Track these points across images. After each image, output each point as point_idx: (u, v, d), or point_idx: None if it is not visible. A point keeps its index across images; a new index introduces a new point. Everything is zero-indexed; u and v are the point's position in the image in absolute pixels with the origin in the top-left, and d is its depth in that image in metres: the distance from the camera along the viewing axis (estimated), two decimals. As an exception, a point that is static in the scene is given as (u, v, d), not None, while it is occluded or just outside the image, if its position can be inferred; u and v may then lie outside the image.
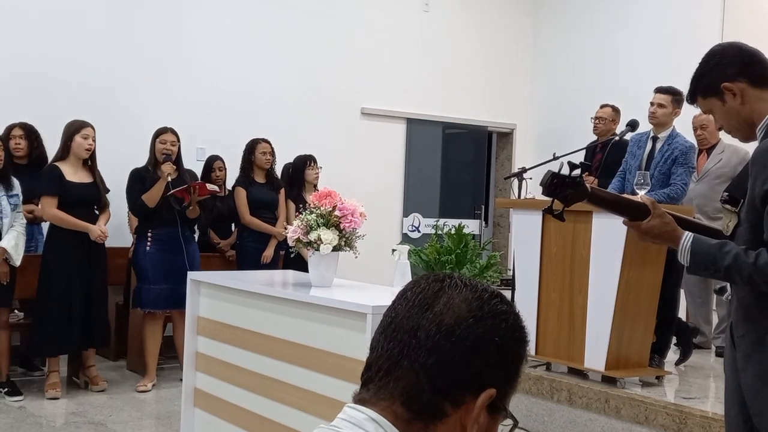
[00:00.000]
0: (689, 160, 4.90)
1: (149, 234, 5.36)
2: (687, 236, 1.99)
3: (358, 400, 0.99)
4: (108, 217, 5.32)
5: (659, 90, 4.98)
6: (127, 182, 5.42)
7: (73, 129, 5.14)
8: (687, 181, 4.90)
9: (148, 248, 5.35)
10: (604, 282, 4.38)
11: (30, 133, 5.57)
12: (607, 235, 4.32)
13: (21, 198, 5.05)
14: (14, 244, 4.90)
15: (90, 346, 5.32)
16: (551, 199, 1.97)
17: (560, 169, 1.96)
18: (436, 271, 1.10)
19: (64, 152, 5.13)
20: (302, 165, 6.37)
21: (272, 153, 6.14)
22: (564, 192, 1.90)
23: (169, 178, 5.20)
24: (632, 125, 5.28)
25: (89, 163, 5.21)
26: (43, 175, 5.14)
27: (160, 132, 5.40)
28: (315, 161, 6.38)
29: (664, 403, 4.06)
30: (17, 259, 4.93)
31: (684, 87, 2.03)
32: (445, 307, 0.99)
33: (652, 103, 4.99)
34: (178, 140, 5.42)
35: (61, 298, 5.03)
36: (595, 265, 4.43)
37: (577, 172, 1.96)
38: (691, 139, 5.98)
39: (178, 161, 5.43)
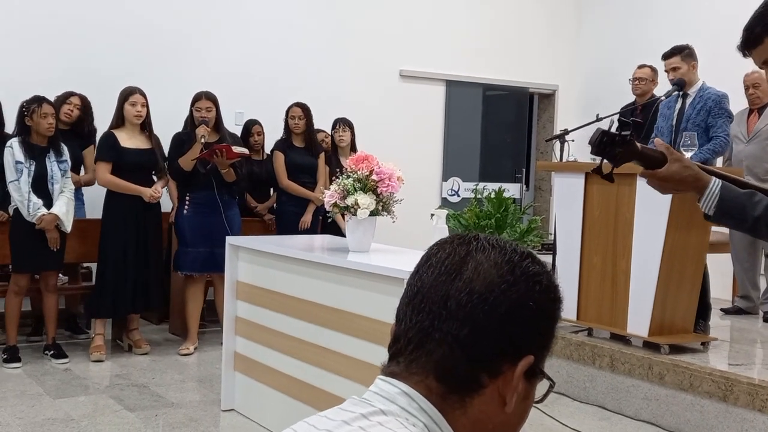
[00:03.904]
0: (724, 108, 4.84)
1: (187, 197, 5.40)
2: (716, 181, 1.86)
3: (389, 373, 0.95)
4: (165, 183, 5.43)
5: (664, 56, 4.99)
6: (169, 146, 5.46)
7: (122, 96, 5.25)
8: (728, 130, 4.86)
9: (185, 212, 5.40)
10: (648, 246, 4.28)
11: (84, 106, 5.66)
12: (652, 198, 4.20)
13: (70, 164, 5.13)
14: (65, 210, 4.98)
15: (146, 309, 5.47)
16: (600, 159, 1.86)
17: (610, 127, 1.84)
18: (460, 232, 1.03)
19: (118, 119, 5.25)
20: (332, 129, 6.34)
21: (303, 117, 6.06)
22: (613, 151, 1.79)
23: (203, 140, 5.20)
24: (679, 84, 5.12)
25: (146, 130, 5.26)
26: (99, 141, 5.29)
27: (196, 98, 5.39)
28: (342, 124, 6.29)
29: (710, 369, 3.97)
30: (68, 225, 5.02)
31: (732, 48, 1.87)
32: (475, 273, 0.93)
33: (667, 71, 4.99)
34: (215, 105, 5.39)
35: (117, 262, 5.18)
36: (639, 228, 4.34)
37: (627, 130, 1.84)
38: (742, 99, 5.80)
39: (218, 125, 5.42)
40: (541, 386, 0.99)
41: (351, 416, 0.90)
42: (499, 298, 0.91)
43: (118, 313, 5.35)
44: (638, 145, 1.84)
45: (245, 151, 5.45)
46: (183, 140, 5.39)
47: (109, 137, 5.20)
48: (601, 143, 1.79)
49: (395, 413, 0.90)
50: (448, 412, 0.91)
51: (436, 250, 0.98)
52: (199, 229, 5.34)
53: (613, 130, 1.82)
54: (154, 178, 5.39)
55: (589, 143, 1.85)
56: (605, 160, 1.83)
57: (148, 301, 5.36)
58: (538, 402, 1.00)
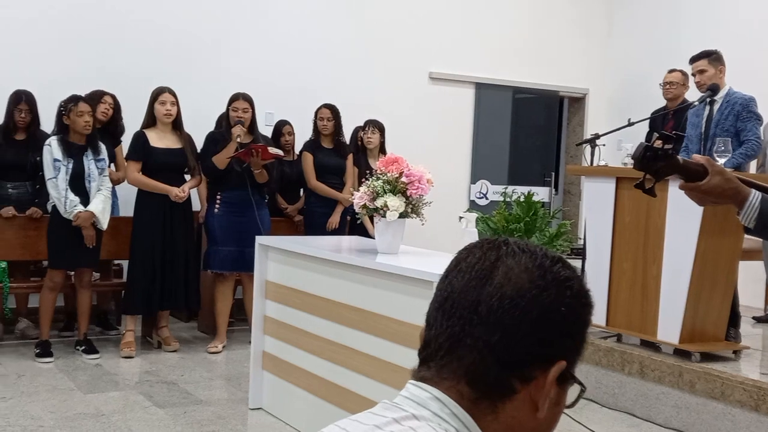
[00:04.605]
0: (753, 111, 4.80)
1: (218, 196, 5.46)
2: (755, 194, 1.86)
3: (420, 377, 0.95)
4: (197, 182, 5.48)
5: (692, 60, 4.97)
6: (203, 145, 5.52)
7: (152, 96, 5.35)
8: (759, 133, 4.81)
9: (216, 210, 5.45)
10: (679, 252, 4.23)
11: (116, 105, 5.74)
12: (684, 204, 4.11)
13: (107, 162, 5.21)
14: (102, 208, 5.06)
15: (175, 306, 5.53)
16: (642, 173, 1.84)
17: (652, 142, 1.83)
18: (489, 237, 1.03)
19: (150, 119, 5.34)
20: (361, 130, 6.38)
21: (332, 118, 6.08)
22: (656, 166, 1.78)
23: (238, 139, 5.26)
24: (713, 89, 5.06)
25: (178, 129, 5.34)
26: (131, 140, 5.38)
27: (233, 99, 5.46)
28: (372, 125, 6.30)
29: (742, 378, 3.92)
30: (104, 223, 5.09)
31: (765, 52, 1.85)
32: (505, 278, 0.93)
33: (693, 74, 4.97)
34: (252, 106, 5.46)
35: (146, 260, 5.25)
36: (670, 234, 4.29)
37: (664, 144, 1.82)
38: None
39: (253, 127, 5.49)
40: (572, 391, 0.99)
41: (383, 420, 0.91)
42: (530, 303, 0.91)
43: (149, 310, 5.41)
44: (680, 158, 1.83)
45: (280, 152, 5.50)
46: (217, 139, 5.46)
47: (140, 137, 5.30)
48: (644, 158, 1.78)
49: (427, 418, 0.90)
50: (480, 418, 0.91)
51: (466, 255, 0.98)
52: (229, 228, 5.39)
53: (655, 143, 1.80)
54: (187, 177, 5.45)
55: (632, 158, 1.84)
56: (647, 175, 1.82)
57: (176, 299, 5.41)
58: (569, 407, 0.99)
